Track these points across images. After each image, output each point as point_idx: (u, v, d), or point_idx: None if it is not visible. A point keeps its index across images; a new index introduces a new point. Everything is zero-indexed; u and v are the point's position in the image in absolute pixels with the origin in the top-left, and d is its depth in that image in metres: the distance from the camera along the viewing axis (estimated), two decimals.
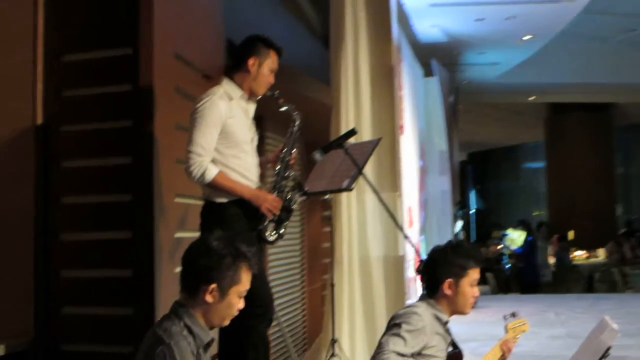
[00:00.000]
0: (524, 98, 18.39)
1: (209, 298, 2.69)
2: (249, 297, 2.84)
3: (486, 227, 22.57)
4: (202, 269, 2.70)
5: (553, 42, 13.15)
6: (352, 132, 4.55)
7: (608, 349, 3.54)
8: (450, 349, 3.64)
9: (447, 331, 3.63)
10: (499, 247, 16.86)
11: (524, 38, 12.48)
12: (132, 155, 4.21)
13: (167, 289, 4.11)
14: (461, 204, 15.89)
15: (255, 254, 2.80)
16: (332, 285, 5.59)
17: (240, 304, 2.78)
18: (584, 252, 16.95)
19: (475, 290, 3.66)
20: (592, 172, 20.13)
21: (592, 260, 16.64)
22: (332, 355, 5.39)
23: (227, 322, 2.80)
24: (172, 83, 4.42)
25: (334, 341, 5.42)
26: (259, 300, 3.88)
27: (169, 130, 4.34)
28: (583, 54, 15.27)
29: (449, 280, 3.57)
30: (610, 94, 17.62)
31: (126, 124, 4.25)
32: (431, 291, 3.63)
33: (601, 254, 17.07)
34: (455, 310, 3.63)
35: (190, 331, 2.68)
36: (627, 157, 26.25)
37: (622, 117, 21.40)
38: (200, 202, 4.17)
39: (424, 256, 6.99)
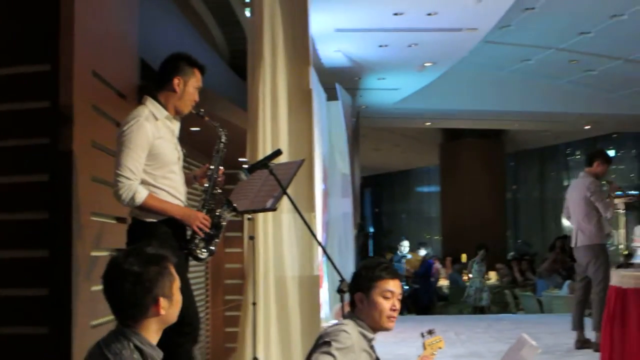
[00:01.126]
0: (421, 124, 18.80)
1: (161, 311, 2.68)
2: (178, 316, 2.84)
3: (380, 250, 22.92)
4: (141, 295, 2.67)
5: (450, 69, 13.55)
6: (277, 153, 4.59)
7: None
8: None
9: (372, 348, 3.69)
10: None
11: (425, 65, 12.80)
12: (49, 173, 4.12)
13: (84, 307, 4.08)
14: (360, 226, 16.08)
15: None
16: (254, 304, 5.60)
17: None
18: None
19: (392, 304, 3.69)
20: (483, 197, 20.67)
21: (486, 282, 17.06)
22: None
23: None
24: (89, 101, 4.36)
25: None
26: (188, 318, 3.87)
27: (86, 148, 4.28)
28: (478, 82, 15.79)
29: (360, 293, 3.65)
30: (502, 121, 18.21)
31: (44, 141, 4.16)
32: (353, 308, 3.70)
33: (493, 276, 17.55)
34: (374, 325, 3.68)
35: (141, 352, 2.64)
36: (516, 183, 27.12)
37: (512, 144, 22.13)
38: (113, 221, 4.12)
39: (325, 277, 7.04)
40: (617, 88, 16.20)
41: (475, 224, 19.90)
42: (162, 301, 2.66)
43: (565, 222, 24.50)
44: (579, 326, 7.82)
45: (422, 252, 17.25)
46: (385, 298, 3.66)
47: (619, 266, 6.98)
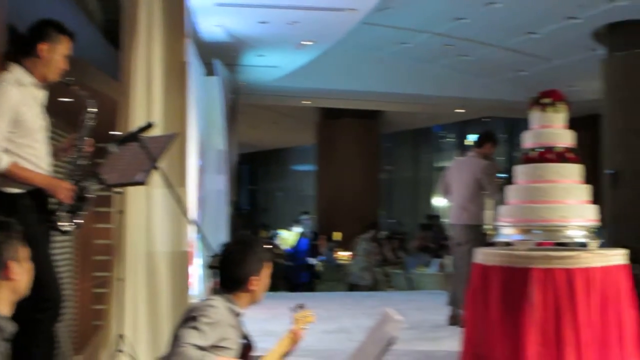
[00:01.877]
0: (298, 102, 18.85)
1: (12, 276, 2.62)
2: (35, 287, 2.77)
3: (254, 227, 22.93)
4: None
5: (329, 49, 13.62)
6: (148, 126, 4.52)
7: (392, 339, 3.77)
8: (243, 340, 3.73)
9: (240, 323, 3.71)
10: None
11: (305, 43, 12.82)
12: None
13: None
14: (235, 204, 16.03)
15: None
16: (120, 280, 5.50)
17: None
18: (349, 252, 17.62)
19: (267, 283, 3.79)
20: (358, 177, 20.93)
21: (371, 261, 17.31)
22: (119, 351, 5.30)
23: None
24: None
25: (120, 337, 5.34)
26: (47, 292, 3.77)
27: None
28: (356, 63, 15.95)
29: (255, 276, 3.67)
30: (379, 102, 18.46)
31: None
32: (231, 286, 3.69)
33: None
34: (253, 302, 3.74)
35: None
36: (390, 163, 27.62)
37: (388, 125, 22.48)
38: None
39: (199, 253, 7.00)
40: (489, 74, 16.70)
41: (349, 203, 20.15)
42: (13, 265, 2.60)
43: (437, 202, 25.22)
44: (453, 302, 8.03)
45: (298, 229, 17.34)
46: (268, 278, 3.76)
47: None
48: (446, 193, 8.40)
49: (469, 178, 7.98)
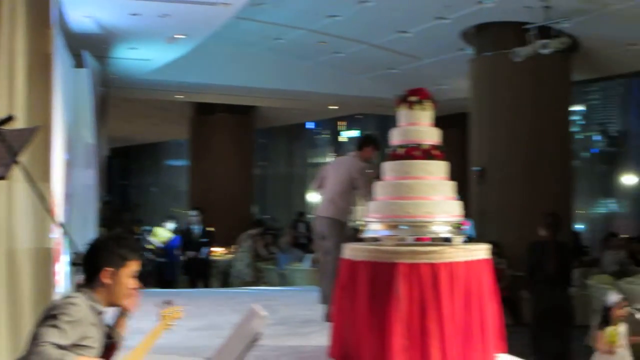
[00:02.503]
0: (171, 96, 18.63)
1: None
2: None
3: (125, 223, 22.49)
4: None
5: (203, 43, 13.51)
6: (8, 119, 4.34)
7: (257, 335, 3.77)
8: (106, 339, 3.65)
9: (102, 322, 3.63)
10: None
11: (177, 37, 12.67)
12: None
13: None
14: (106, 199, 15.68)
15: None
16: None
17: None
18: (222, 248, 17.54)
19: (134, 283, 3.70)
20: (232, 172, 20.87)
21: (229, 256, 17.29)
22: None
23: None
24: None
25: None
26: None
27: None
28: (230, 58, 15.89)
29: (109, 269, 3.58)
30: (253, 97, 18.45)
31: None
32: (90, 280, 3.61)
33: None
34: (112, 301, 3.65)
35: None
36: (265, 159, 27.67)
37: (262, 120, 22.50)
38: None
39: (65, 251, 6.82)
40: (362, 71, 16.96)
41: (223, 199, 20.05)
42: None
43: (311, 197, 25.41)
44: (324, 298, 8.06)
45: (170, 225, 17.08)
46: (131, 278, 3.67)
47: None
48: (319, 187, 8.45)
49: (343, 175, 8.04)
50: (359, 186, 7.91)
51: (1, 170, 4.35)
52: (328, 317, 7.74)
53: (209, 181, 20.74)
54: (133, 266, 3.67)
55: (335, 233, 7.86)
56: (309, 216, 21.16)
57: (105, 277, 3.58)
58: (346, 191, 7.97)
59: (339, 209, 7.95)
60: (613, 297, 7.57)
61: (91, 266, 3.62)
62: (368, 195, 7.88)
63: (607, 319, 7.46)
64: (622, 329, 7.47)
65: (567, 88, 14.00)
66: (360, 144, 8.31)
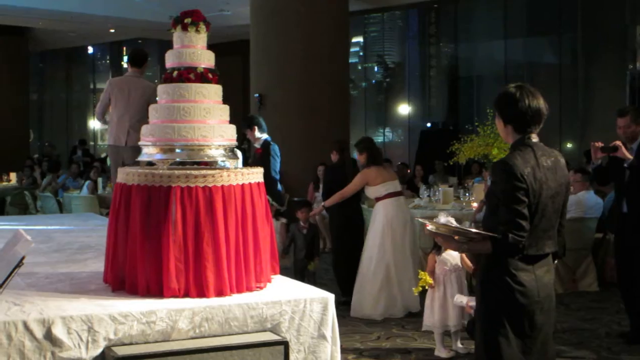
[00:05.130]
0: None
1: None
2: None
3: None
4: None
5: None
6: None
7: (22, 258, 3.68)
8: None
9: None
10: None
11: None
12: None
13: None
14: None
15: None
16: None
17: None
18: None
19: None
20: (6, 98, 19.96)
21: (5, 184, 16.60)
22: None
23: None
24: None
25: None
26: None
27: None
28: None
29: None
30: (24, 18, 17.54)
31: None
32: None
33: (13, 178, 17.10)
34: None
35: None
36: (41, 85, 26.51)
37: (38, 43, 21.50)
38: None
39: None
40: None
41: None
42: None
43: (93, 124, 24.69)
44: None
45: None
46: None
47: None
48: (104, 115, 8.21)
49: (138, 99, 7.79)
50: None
51: None
52: None
53: None
54: None
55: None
56: (91, 143, 20.60)
57: None
58: (145, 116, 7.72)
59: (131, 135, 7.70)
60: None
61: None
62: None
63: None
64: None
65: (345, 18, 14.39)
66: (139, 60, 8.09)
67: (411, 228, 9.07)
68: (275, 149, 9.67)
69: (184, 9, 5.85)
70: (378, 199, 8.98)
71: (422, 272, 7.30)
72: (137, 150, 7.84)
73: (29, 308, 4.74)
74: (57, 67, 26.60)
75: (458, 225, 4.22)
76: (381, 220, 8.86)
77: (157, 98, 5.98)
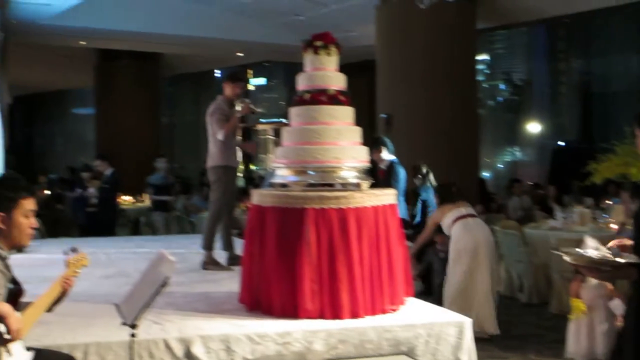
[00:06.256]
0: (74, 42, 18.13)
1: None
2: None
3: (32, 172, 21.97)
4: None
5: None
6: None
7: (166, 279, 3.76)
8: (11, 285, 3.58)
9: (7, 267, 3.56)
10: (46, 191, 16.45)
11: None
12: None
13: None
14: (10, 148, 15.22)
15: None
16: None
17: None
18: (130, 197, 17.35)
19: (32, 221, 3.64)
20: (138, 121, 20.57)
21: (139, 205, 17.12)
22: None
23: None
24: None
25: None
26: None
27: None
28: (134, 3, 15.55)
29: (0, 214, 3.52)
30: (158, 44, 18.13)
31: None
32: None
33: (146, 199, 17.58)
34: (13, 244, 3.60)
35: None
36: (172, 107, 27.29)
37: (169, 68, 22.15)
38: None
39: None
40: (267, 17, 16.79)
41: (130, 148, 19.76)
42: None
43: None
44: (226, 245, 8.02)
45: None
46: (27, 217, 3.61)
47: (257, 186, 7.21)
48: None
49: (207, 121, 7.80)
50: (212, 124, 7.63)
51: None
52: (231, 262, 7.75)
53: (115, 129, 20.39)
54: (26, 205, 3.60)
55: (215, 181, 7.72)
56: None
57: (0, 222, 3.52)
58: (211, 134, 7.71)
59: (210, 155, 7.71)
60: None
61: None
62: (217, 132, 7.63)
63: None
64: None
65: (472, 36, 14.20)
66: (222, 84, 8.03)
67: (487, 247, 8.14)
68: (400, 171, 9.35)
69: (310, 31, 5.88)
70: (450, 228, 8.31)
71: (576, 300, 6.95)
72: (212, 169, 7.82)
73: (168, 327, 4.86)
74: (186, 90, 27.35)
75: (605, 250, 4.00)
76: (452, 247, 8.14)
77: (286, 120, 5.99)
